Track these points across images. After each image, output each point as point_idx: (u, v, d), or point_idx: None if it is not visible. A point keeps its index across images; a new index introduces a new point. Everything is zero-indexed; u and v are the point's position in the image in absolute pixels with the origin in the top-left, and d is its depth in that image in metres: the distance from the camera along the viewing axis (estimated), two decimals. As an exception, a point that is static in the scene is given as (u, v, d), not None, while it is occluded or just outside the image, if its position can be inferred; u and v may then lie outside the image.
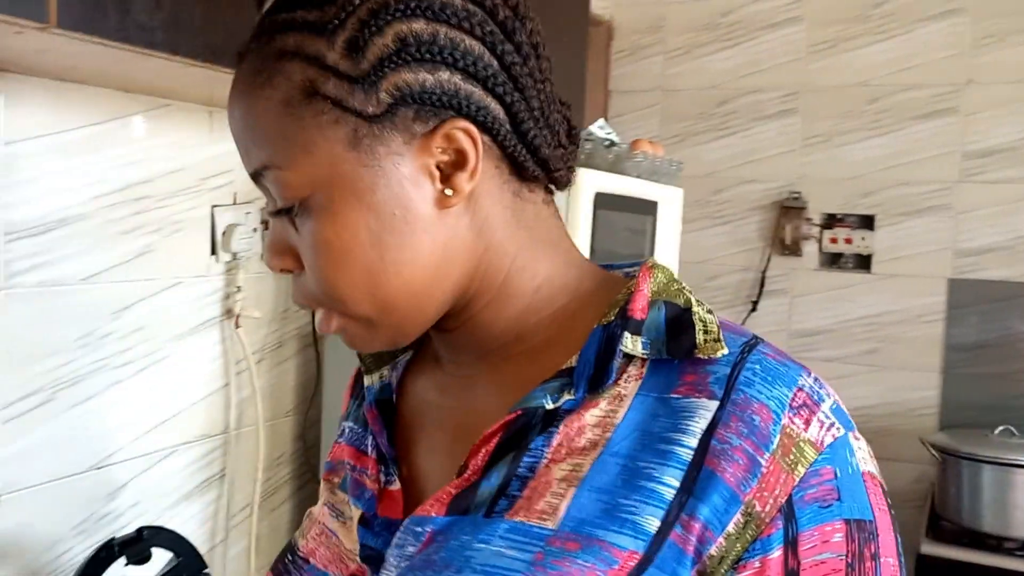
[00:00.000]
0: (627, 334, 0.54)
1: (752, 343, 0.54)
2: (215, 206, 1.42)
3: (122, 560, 1.12)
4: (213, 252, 1.42)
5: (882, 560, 0.50)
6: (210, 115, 1.39)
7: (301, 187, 0.53)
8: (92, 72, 1.10)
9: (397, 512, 0.58)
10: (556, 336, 0.57)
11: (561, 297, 0.59)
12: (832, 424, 0.52)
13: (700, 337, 0.53)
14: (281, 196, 0.54)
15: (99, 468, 1.27)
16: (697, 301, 0.56)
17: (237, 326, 1.45)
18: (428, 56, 0.51)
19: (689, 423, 0.51)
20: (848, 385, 2.58)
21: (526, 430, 0.54)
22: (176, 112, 1.33)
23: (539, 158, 0.56)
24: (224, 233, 1.42)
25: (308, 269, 0.55)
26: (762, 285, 2.67)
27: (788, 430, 0.50)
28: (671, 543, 0.49)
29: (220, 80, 1.01)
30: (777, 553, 0.49)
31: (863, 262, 2.57)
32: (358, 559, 0.60)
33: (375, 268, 0.53)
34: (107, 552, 1.11)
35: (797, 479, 0.50)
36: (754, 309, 2.68)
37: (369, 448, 0.63)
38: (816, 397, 0.52)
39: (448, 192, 0.53)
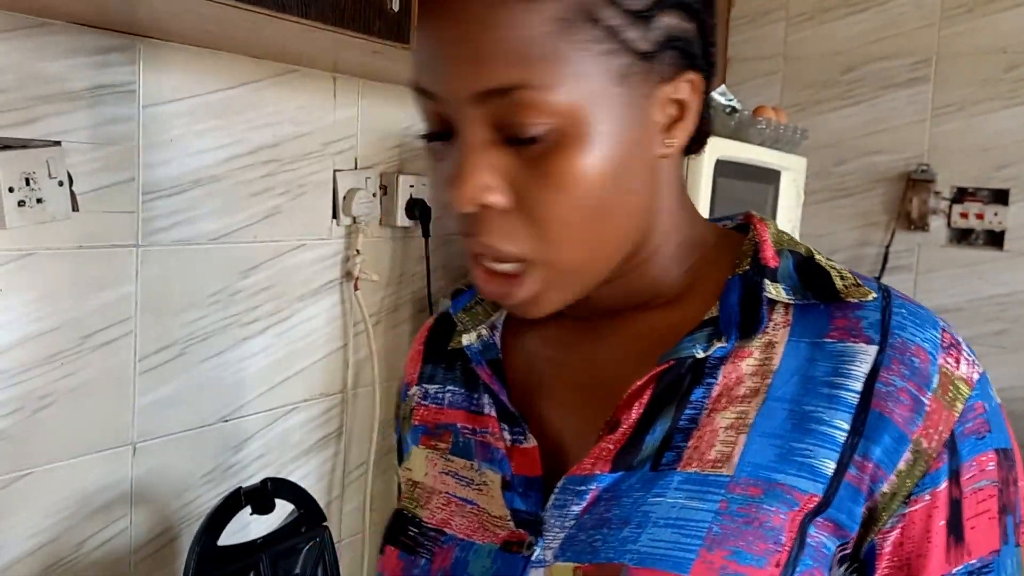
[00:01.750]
0: (767, 281, 0.55)
1: (886, 288, 0.57)
2: (337, 171, 1.45)
3: (247, 509, 1.17)
4: (334, 216, 1.46)
5: (1020, 484, 0.55)
6: (334, 81, 1.42)
7: (556, 114, 0.49)
8: (224, 38, 1.14)
9: (535, 469, 0.56)
10: (689, 289, 0.58)
11: (695, 252, 0.59)
12: (974, 361, 0.55)
13: (839, 282, 0.55)
14: (526, 120, 0.49)
15: (227, 421, 1.33)
16: (814, 249, 0.58)
17: (356, 288, 1.48)
18: (689, 5, 0.52)
19: (851, 367, 0.53)
20: (985, 366, 2.45)
21: (679, 381, 0.54)
22: (302, 78, 1.36)
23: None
24: (345, 197, 1.45)
25: (535, 204, 0.50)
26: (885, 261, 2.55)
27: (944, 369, 0.53)
28: (847, 484, 0.51)
29: (345, 45, 1.02)
30: (944, 485, 0.52)
31: (995, 238, 2.43)
32: (511, 525, 0.56)
33: (605, 209, 0.51)
34: (234, 501, 1.16)
35: (957, 415, 0.53)
36: (875, 286, 2.57)
37: (486, 408, 0.61)
38: (956, 337, 0.56)
39: (668, 143, 0.53)
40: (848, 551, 0.52)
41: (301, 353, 1.44)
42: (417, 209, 1.51)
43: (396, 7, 0.94)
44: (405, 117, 1.53)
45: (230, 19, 0.98)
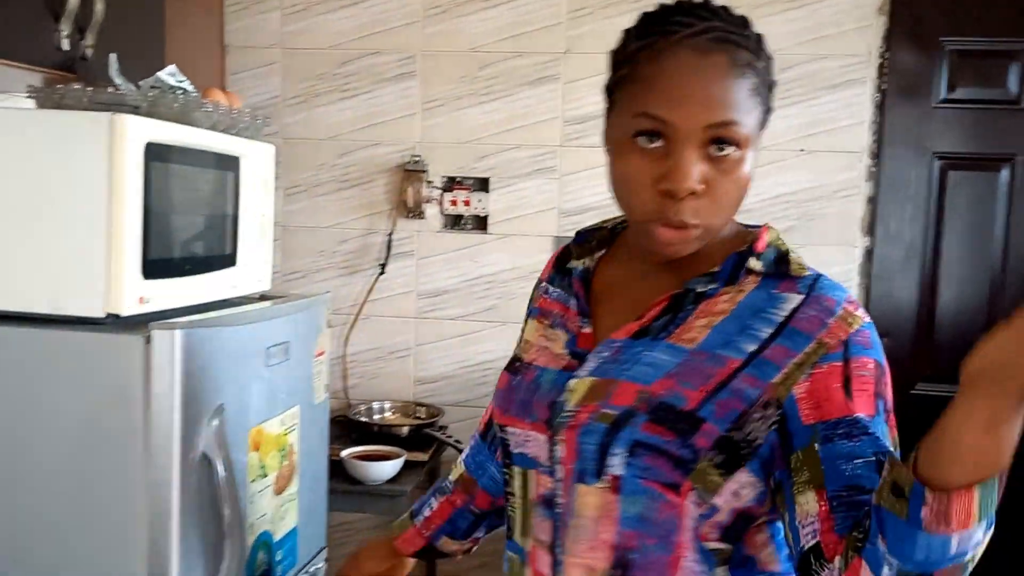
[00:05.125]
0: (752, 258, 0.89)
1: (820, 274, 0.89)
2: None
3: None
4: None
5: (888, 390, 0.83)
6: None
7: (742, 139, 0.83)
8: None
9: (588, 344, 0.93)
10: (709, 255, 0.90)
11: (725, 238, 0.92)
12: (867, 316, 0.85)
13: (794, 267, 0.88)
14: (730, 142, 0.82)
15: None
16: (792, 251, 0.90)
17: None
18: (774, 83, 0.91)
19: (783, 305, 0.86)
20: (477, 341, 2.68)
21: (682, 299, 0.89)
22: None
23: None
24: None
25: (718, 193, 0.83)
26: (389, 248, 2.68)
27: (846, 308, 0.84)
28: (761, 359, 0.83)
29: None
30: (839, 362, 0.81)
31: (481, 223, 2.68)
32: (568, 357, 0.94)
33: (739, 198, 0.87)
34: None
35: (852, 331, 0.83)
36: (383, 272, 2.68)
37: (572, 305, 0.98)
38: (859, 304, 0.86)
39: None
40: (768, 399, 0.82)
41: None
42: None
43: None
44: None
45: None
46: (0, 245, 1.31)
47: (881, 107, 2.54)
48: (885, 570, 0.70)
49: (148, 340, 1.27)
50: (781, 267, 0.89)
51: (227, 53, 2.68)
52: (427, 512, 1.25)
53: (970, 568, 0.70)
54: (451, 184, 2.67)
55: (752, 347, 0.84)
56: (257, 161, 1.64)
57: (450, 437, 2.50)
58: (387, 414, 2.68)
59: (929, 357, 2.59)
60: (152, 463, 1.29)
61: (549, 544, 0.92)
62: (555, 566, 0.91)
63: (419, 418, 2.62)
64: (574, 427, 0.88)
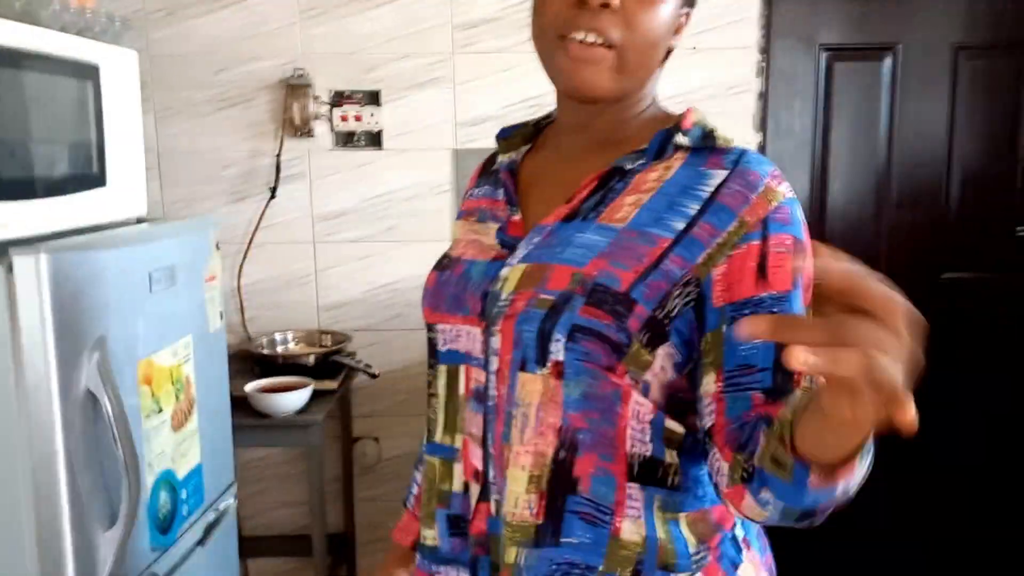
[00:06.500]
0: (679, 134, 0.88)
1: (747, 148, 0.88)
2: None
3: None
4: None
5: (807, 264, 0.82)
6: None
7: None
8: None
9: (519, 232, 0.92)
10: (636, 136, 0.90)
11: (649, 116, 0.93)
12: (791, 189, 0.85)
13: (720, 141, 0.88)
14: None
15: None
16: (717, 128, 0.90)
17: None
18: None
19: (710, 180, 0.85)
20: (380, 262, 2.59)
21: (610, 177, 0.89)
22: None
23: None
24: None
25: (632, 15, 0.84)
26: (278, 170, 2.53)
27: (768, 184, 0.84)
28: (690, 236, 0.82)
29: None
30: (757, 242, 0.81)
31: (375, 139, 2.56)
32: (499, 247, 0.92)
33: (652, 44, 0.87)
34: None
35: (771, 208, 0.82)
36: (273, 196, 2.54)
37: (500, 196, 0.97)
38: (783, 177, 0.86)
39: (677, 37, 0.91)
40: (689, 278, 0.81)
41: None
42: None
43: None
44: None
45: None
46: None
47: (769, 2, 2.53)
48: (770, 508, 0.74)
49: (10, 269, 1.14)
50: (708, 142, 0.88)
51: (78, -36, 2.43)
52: (415, 491, 1.12)
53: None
54: (339, 99, 2.53)
55: (681, 224, 0.83)
56: (118, 70, 1.48)
57: (359, 362, 2.43)
58: (291, 345, 2.58)
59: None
60: (28, 404, 1.18)
61: (481, 438, 0.89)
62: (486, 459, 0.88)
63: (325, 346, 2.53)
64: (511, 316, 0.85)
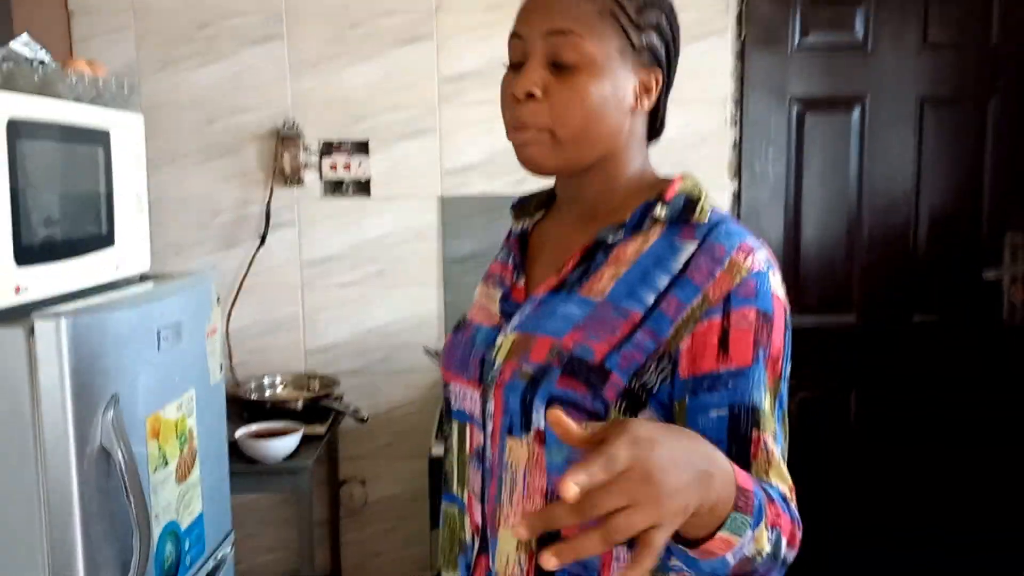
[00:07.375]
0: (659, 205, 0.92)
1: (724, 217, 0.91)
2: None
3: None
4: None
5: (773, 337, 0.86)
6: None
7: (584, 54, 0.88)
8: None
9: (521, 299, 0.97)
10: (621, 206, 0.95)
11: (636, 185, 0.96)
12: (762, 262, 0.87)
13: (698, 214, 0.91)
14: (570, 53, 0.88)
15: None
16: (705, 197, 0.93)
17: None
18: (667, 32, 0.94)
19: (680, 254, 0.88)
20: (367, 307, 2.64)
21: (594, 251, 0.93)
22: None
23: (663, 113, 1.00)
24: None
25: (556, 101, 0.89)
26: (268, 218, 2.58)
27: (733, 258, 0.86)
28: (659, 311, 0.86)
29: None
30: (718, 318, 0.84)
31: (363, 187, 2.62)
32: (499, 316, 0.98)
33: (593, 115, 0.90)
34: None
35: (735, 284, 0.85)
36: (263, 243, 2.59)
37: (510, 263, 1.02)
38: (755, 248, 0.88)
39: (639, 103, 0.94)
40: (663, 352, 0.85)
41: None
42: None
43: None
44: None
45: None
46: None
47: (742, 55, 2.64)
48: (685, 572, 0.79)
49: (31, 332, 1.18)
50: (685, 214, 0.91)
51: (72, 18, 2.49)
52: None
53: (773, 551, 0.75)
54: (329, 148, 2.59)
55: (651, 298, 0.87)
56: (127, 133, 1.54)
57: (348, 406, 2.46)
58: (279, 389, 2.61)
59: (797, 290, 2.75)
60: (47, 461, 1.21)
61: (480, 495, 0.95)
62: (483, 516, 0.94)
63: (312, 389, 2.57)
64: (500, 384, 0.91)
